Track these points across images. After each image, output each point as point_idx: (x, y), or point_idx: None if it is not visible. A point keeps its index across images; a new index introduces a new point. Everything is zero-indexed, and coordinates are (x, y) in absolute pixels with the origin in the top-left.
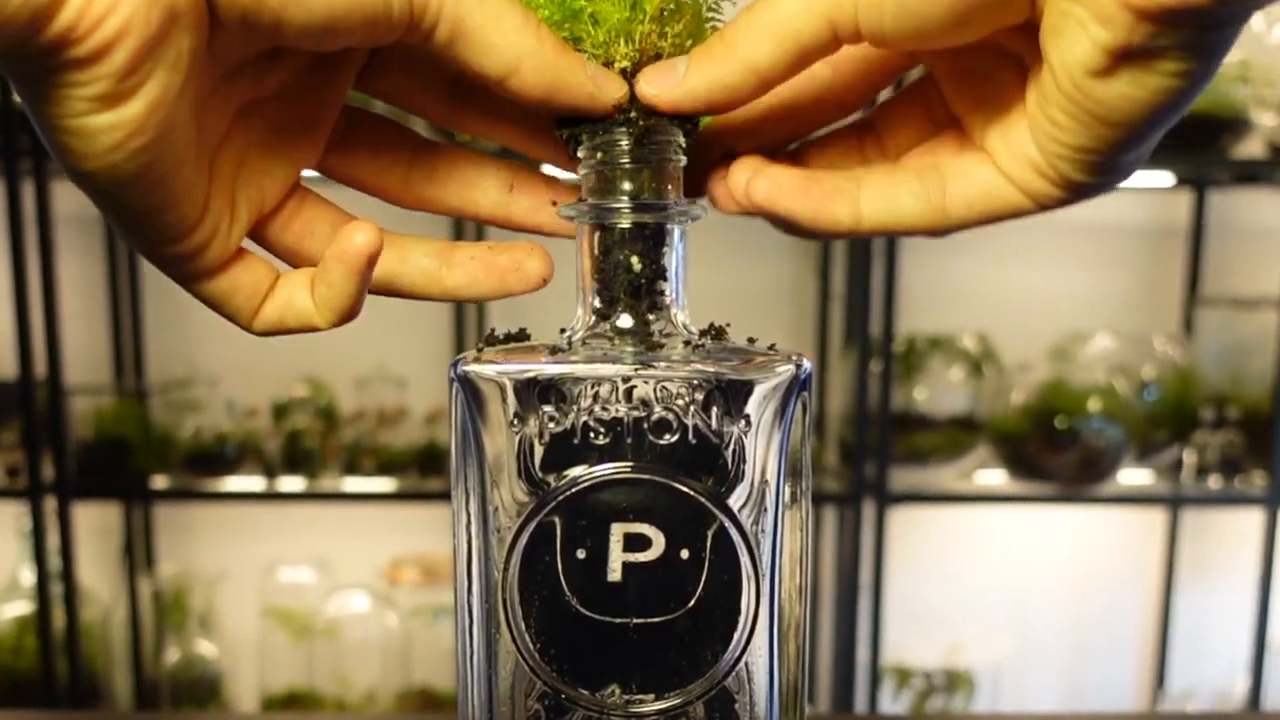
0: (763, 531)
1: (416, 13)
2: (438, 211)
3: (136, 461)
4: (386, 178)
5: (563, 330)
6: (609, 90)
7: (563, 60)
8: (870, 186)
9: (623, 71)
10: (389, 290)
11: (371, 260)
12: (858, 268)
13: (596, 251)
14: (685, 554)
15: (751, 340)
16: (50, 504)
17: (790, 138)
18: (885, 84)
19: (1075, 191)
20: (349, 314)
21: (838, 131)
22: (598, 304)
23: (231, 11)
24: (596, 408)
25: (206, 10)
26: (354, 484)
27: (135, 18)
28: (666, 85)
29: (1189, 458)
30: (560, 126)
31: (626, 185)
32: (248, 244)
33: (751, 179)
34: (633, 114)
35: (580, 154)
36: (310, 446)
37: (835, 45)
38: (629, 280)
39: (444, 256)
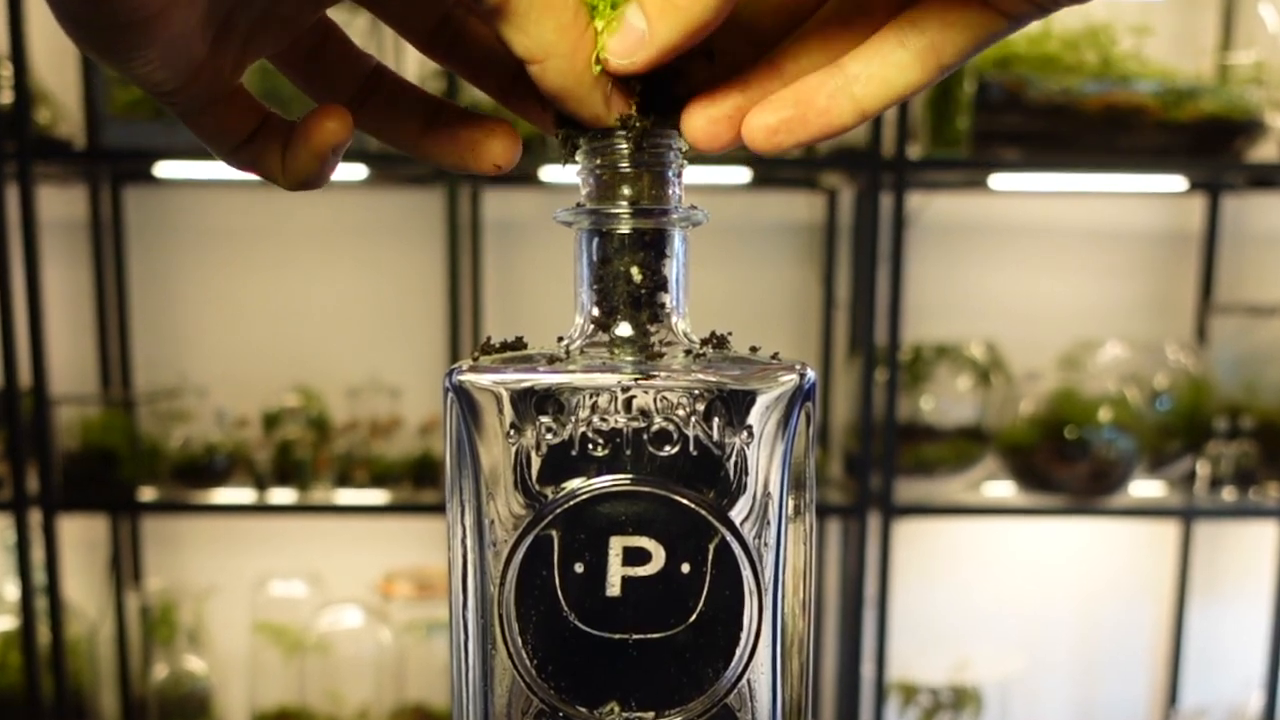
0: (765, 545)
1: None
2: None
3: (123, 473)
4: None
5: (560, 339)
6: (616, 109)
7: (587, 74)
8: (859, 75)
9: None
10: (372, 134)
11: (337, 149)
12: (862, 274)
13: (595, 258)
14: (686, 568)
15: (754, 349)
16: (35, 516)
17: (775, 27)
18: None
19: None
20: (311, 186)
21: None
22: (596, 312)
23: None
24: (595, 418)
25: None
26: (347, 496)
27: None
28: (633, 48)
29: (1202, 469)
30: (558, 127)
31: (626, 190)
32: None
33: (745, 131)
34: (632, 116)
35: (578, 158)
36: (302, 457)
37: None
38: (628, 288)
39: (429, 117)
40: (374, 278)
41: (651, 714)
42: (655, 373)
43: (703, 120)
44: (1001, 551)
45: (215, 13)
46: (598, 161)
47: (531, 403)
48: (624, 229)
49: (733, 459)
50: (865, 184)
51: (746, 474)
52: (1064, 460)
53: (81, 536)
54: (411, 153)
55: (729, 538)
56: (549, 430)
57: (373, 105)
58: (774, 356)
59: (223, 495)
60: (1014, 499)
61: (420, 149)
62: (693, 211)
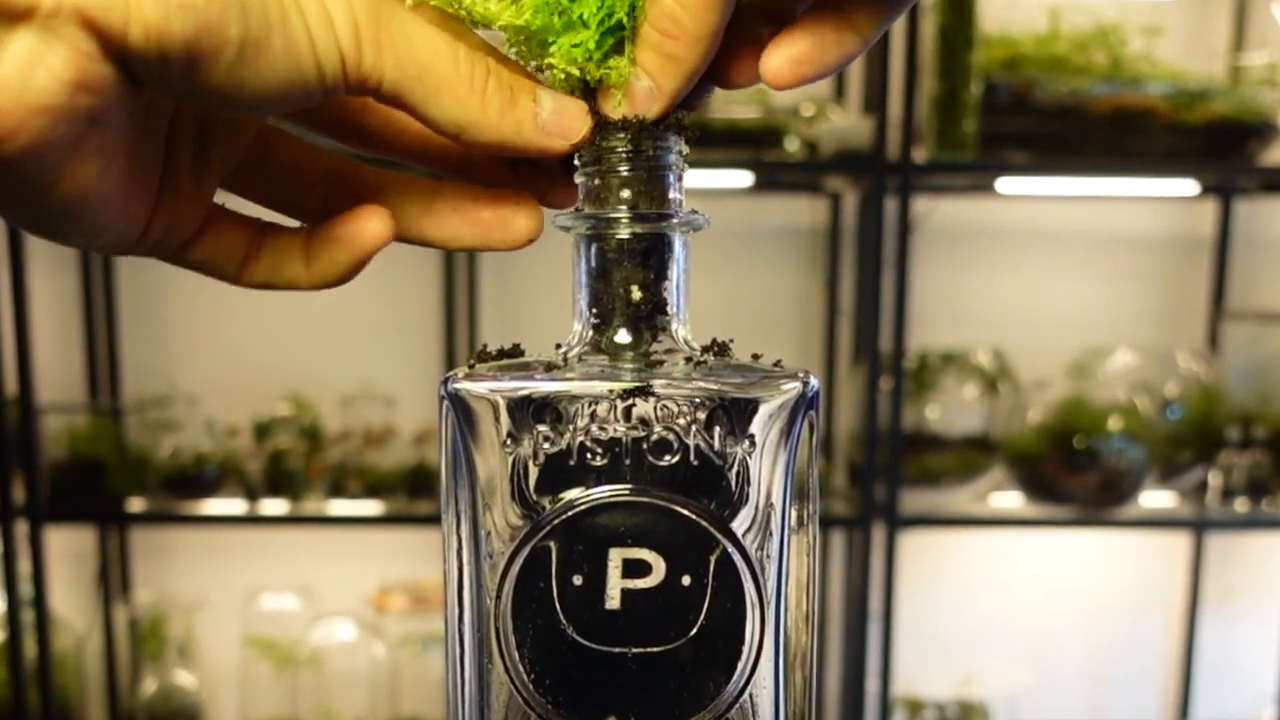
0: (768, 556)
1: (353, 86)
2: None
3: (112, 483)
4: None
5: (558, 346)
6: (567, 133)
7: (508, 122)
8: (857, 12)
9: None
10: (265, 287)
11: (377, 251)
12: (867, 280)
13: (593, 263)
14: (687, 580)
15: (756, 356)
16: (21, 528)
17: None
18: None
19: None
20: (341, 283)
21: None
22: (595, 319)
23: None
24: (594, 427)
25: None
26: (339, 507)
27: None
28: (645, 105)
29: (1214, 479)
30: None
31: (625, 194)
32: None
33: (764, 64)
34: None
35: (576, 162)
36: (294, 467)
37: None
38: (627, 294)
39: (425, 202)
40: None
41: None
42: (655, 381)
43: (781, 60)
44: (1009, 563)
45: (140, 163)
46: (596, 165)
47: (529, 411)
48: (623, 234)
49: (734, 469)
50: (869, 188)
51: (748, 484)
52: (1073, 470)
53: (69, 548)
54: (417, 242)
55: (730, 549)
56: (546, 439)
57: (261, 257)
58: (776, 364)
59: (213, 506)
60: (1022, 510)
61: (438, 245)
62: (693, 216)
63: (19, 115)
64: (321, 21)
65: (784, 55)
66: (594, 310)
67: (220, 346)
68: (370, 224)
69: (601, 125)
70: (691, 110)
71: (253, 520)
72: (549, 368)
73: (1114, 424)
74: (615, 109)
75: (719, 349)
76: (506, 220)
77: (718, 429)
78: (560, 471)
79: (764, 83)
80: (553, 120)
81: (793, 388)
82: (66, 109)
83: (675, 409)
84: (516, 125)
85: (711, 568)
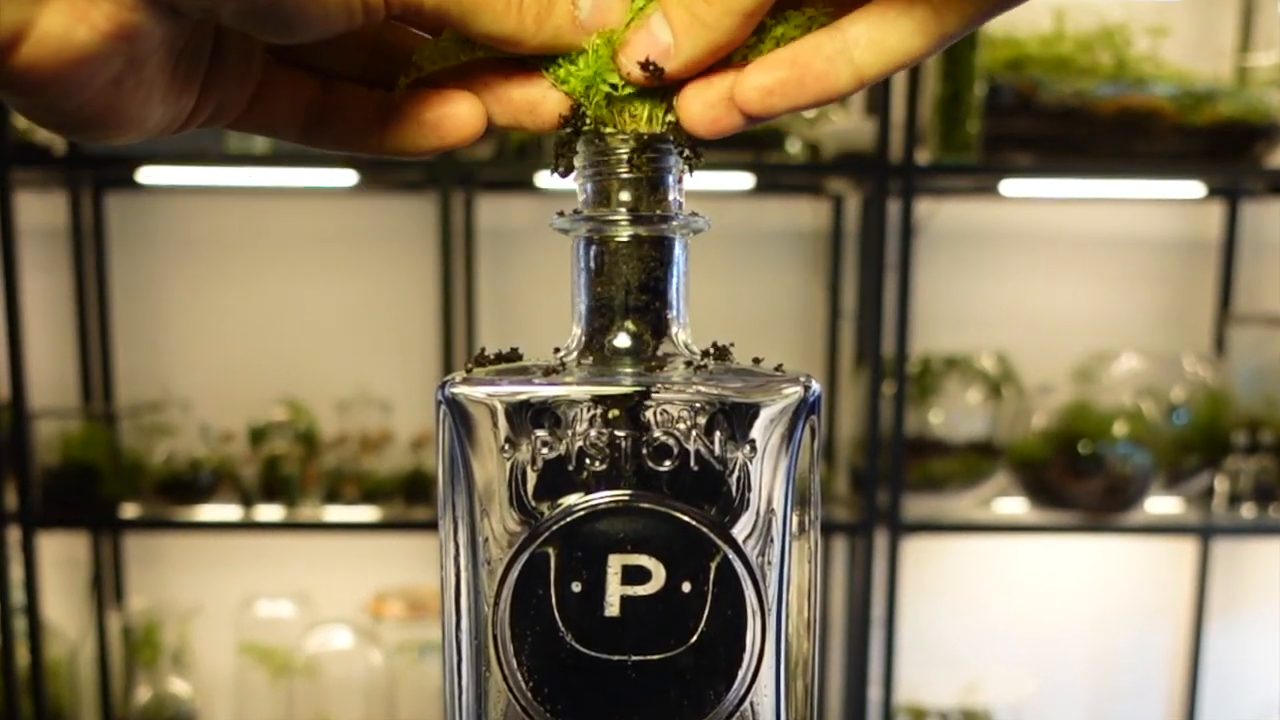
0: (769, 563)
1: (395, 12)
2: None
3: (105, 489)
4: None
5: (557, 350)
6: (609, 23)
7: (547, 30)
8: (859, 40)
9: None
10: (336, 150)
11: (468, 141)
12: (869, 284)
13: (592, 266)
14: (687, 587)
15: (757, 360)
16: (14, 534)
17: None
18: None
19: None
20: (418, 157)
21: None
22: (594, 322)
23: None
24: (592, 432)
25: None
26: (336, 513)
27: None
28: (656, 58)
29: (1221, 485)
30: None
31: (625, 196)
32: None
33: (736, 91)
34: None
35: (576, 163)
36: (289, 473)
37: None
38: (627, 297)
39: (379, 115)
40: (364, 287)
41: None
42: (655, 385)
43: (699, 105)
44: (1013, 570)
45: (185, 65)
46: (596, 166)
47: (527, 416)
48: (623, 236)
49: (735, 474)
50: (872, 190)
51: (749, 490)
52: (1078, 476)
53: (62, 554)
54: (378, 153)
55: (731, 556)
56: (545, 444)
57: (327, 122)
58: (778, 368)
59: (208, 512)
60: (1026, 516)
61: (385, 146)
62: (694, 218)
63: (58, 66)
64: None
65: (755, 80)
66: (593, 314)
67: (215, 350)
68: (461, 113)
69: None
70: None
71: (248, 526)
72: (547, 372)
73: (1119, 429)
74: (629, 56)
75: (719, 353)
76: (535, 103)
77: (718, 434)
78: (559, 477)
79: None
80: (593, 16)
81: (794, 392)
82: (106, 57)
83: (675, 414)
84: (555, 31)
85: (712, 574)
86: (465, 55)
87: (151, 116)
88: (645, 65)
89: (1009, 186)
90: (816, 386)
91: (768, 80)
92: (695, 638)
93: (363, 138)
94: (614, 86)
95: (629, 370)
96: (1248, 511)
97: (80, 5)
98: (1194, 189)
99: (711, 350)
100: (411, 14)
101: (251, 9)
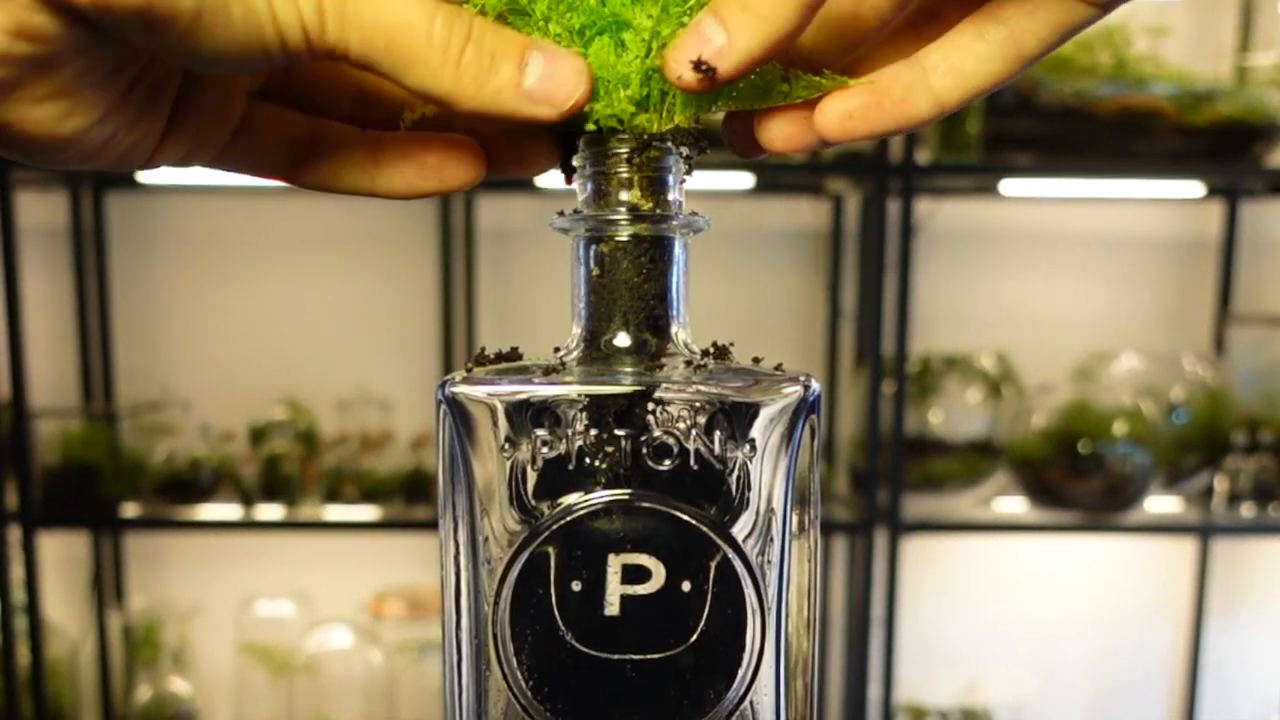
0: (769, 562)
1: (319, 55)
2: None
3: (105, 488)
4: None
5: (557, 349)
6: (554, 100)
7: (486, 92)
8: (937, 67)
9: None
10: (325, 189)
11: (467, 187)
12: (869, 283)
13: (593, 266)
14: (687, 586)
15: (757, 360)
16: (14, 533)
17: (840, 50)
18: None
19: None
20: (412, 199)
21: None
22: (594, 322)
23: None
24: (592, 431)
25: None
26: (336, 512)
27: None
28: (711, 59)
29: (1220, 484)
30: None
31: (625, 195)
32: None
33: (817, 114)
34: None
35: (576, 162)
36: (289, 472)
37: None
38: (627, 296)
39: (372, 154)
40: (365, 286)
41: None
42: (655, 385)
43: (783, 124)
44: (1013, 569)
45: (140, 93)
46: (597, 165)
47: (527, 415)
48: (623, 236)
49: (735, 473)
50: (872, 189)
51: (749, 489)
52: (1077, 475)
53: (62, 554)
54: (369, 194)
55: (731, 555)
56: (545, 444)
57: (316, 160)
58: (777, 368)
59: (208, 511)
60: (1026, 515)
61: (377, 187)
62: (694, 218)
63: None
64: None
65: (836, 105)
66: (593, 313)
67: (215, 350)
68: (464, 158)
69: (604, 132)
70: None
71: (248, 526)
72: (547, 371)
73: (1119, 428)
74: (679, 59)
75: (719, 352)
76: (448, 159)
77: (718, 433)
78: (559, 476)
79: (816, 129)
80: (539, 87)
81: (794, 391)
82: (14, 60)
83: (675, 413)
84: (495, 94)
85: (712, 574)
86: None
87: (91, 137)
88: (698, 65)
89: (1009, 186)
90: (816, 386)
91: (849, 105)
92: (695, 637)
93: (353, 178)
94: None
95: (629, 370)
96: (1247, 511)
97: None
98: (1194, 189)
99: (711, 349)
100: (339, 57)
101: (153, 27)
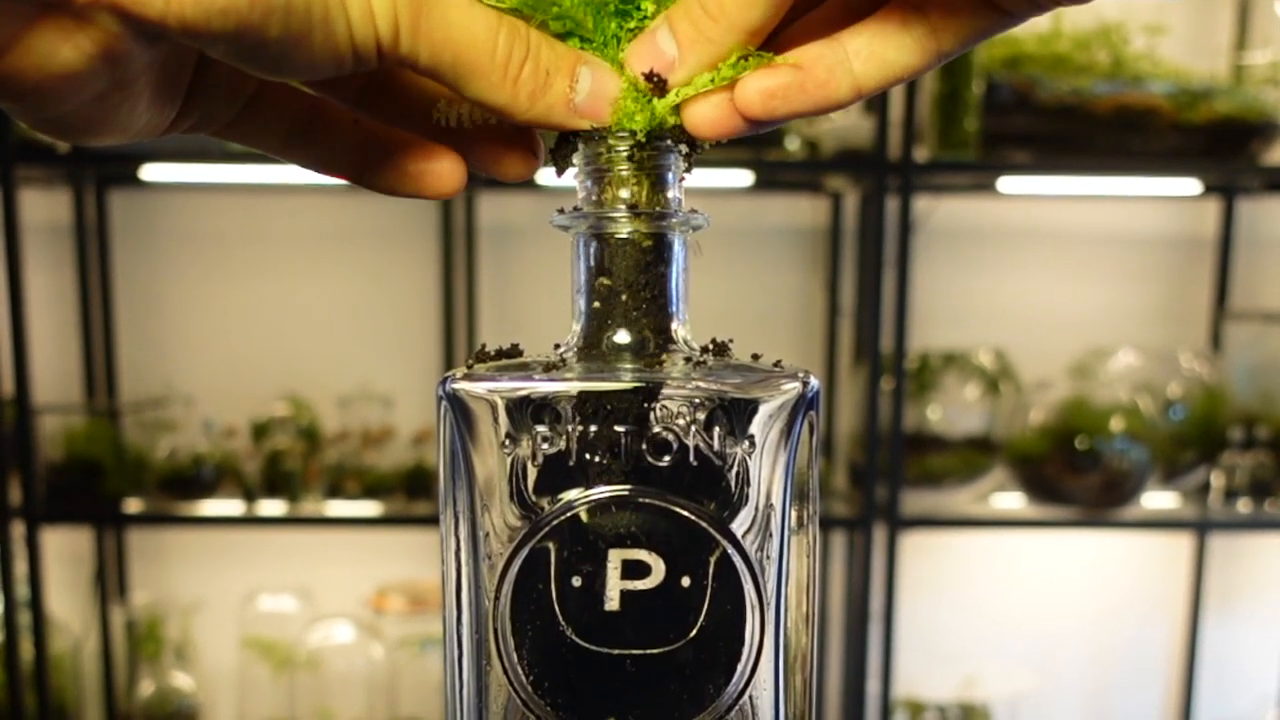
0: (768, 558)
1: (389, 64)
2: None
3: (108, 484)
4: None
5: (557, 346)
6: (598, 116)
7: (539, 107)
8: (859, 52)
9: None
10: (314, 169)
11: (447, 197)
12: (868, 280)
13: (592, 263)
14: (686, 582)
15: (756, 356)
16: (18, 529)
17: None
18: None
19: None
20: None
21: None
22: (594, 319)
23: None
24: (592, 428)
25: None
26: (338, 508)
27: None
28: (660, 69)
29: (1217, 480)
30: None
31: (624, 193)
32: None
33: (737, 94)
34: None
35: (576, 161)
36: (291, 468)
37: None
38: (627, 293)
39: (361, 147)
40: (366, 283)
41: None
42: (655, 381)
43: (706, 108)
44: (1011, 565)
45: (171, 76)
46: (596, 163)
47: (527, 412)
48: (622, 233)
49: (734, 469)
50: (870, 187)
51: (748, 485)
52: (1075, 471)
53: (65, 549)
54: (353, 182)
55: (730, 550)
56: (545, 440)
57: (309, 142)
58: (776, 364)
59: (210, 507)
60: (1023, 511)
61: (361, 178)
62: (693, 215)
63: (38, 79)
64: (363, 14)
65: (757, 84)
66: (593, 310)
67: (218, 346)
68: (444, 171)
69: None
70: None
71: (250, 521)
72: (548, 368)
73: (1116, 425)
74: (634, 66)
75: (718, 349)
76: (426, 170)
77: (717, 429)
78: (559, 472)
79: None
80: (586, 104)
81: (793, 388)
82: (89, 75)
83: (674, 409)
84: (548, 109)
85: (711, 569)
86: (479, 118)
87: (135, 124)
88: (649, 76)
89: (1007, 184)
90: (815, 382)
91: (770, 84)
92: (695, 632)
93: (341, 165)
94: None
95: (629, 366)
96: (1243, 506)
97: (68, 27)
98: (1190, 186)
99: (711, 346)
100: (407, 66)
101: (239, 48)
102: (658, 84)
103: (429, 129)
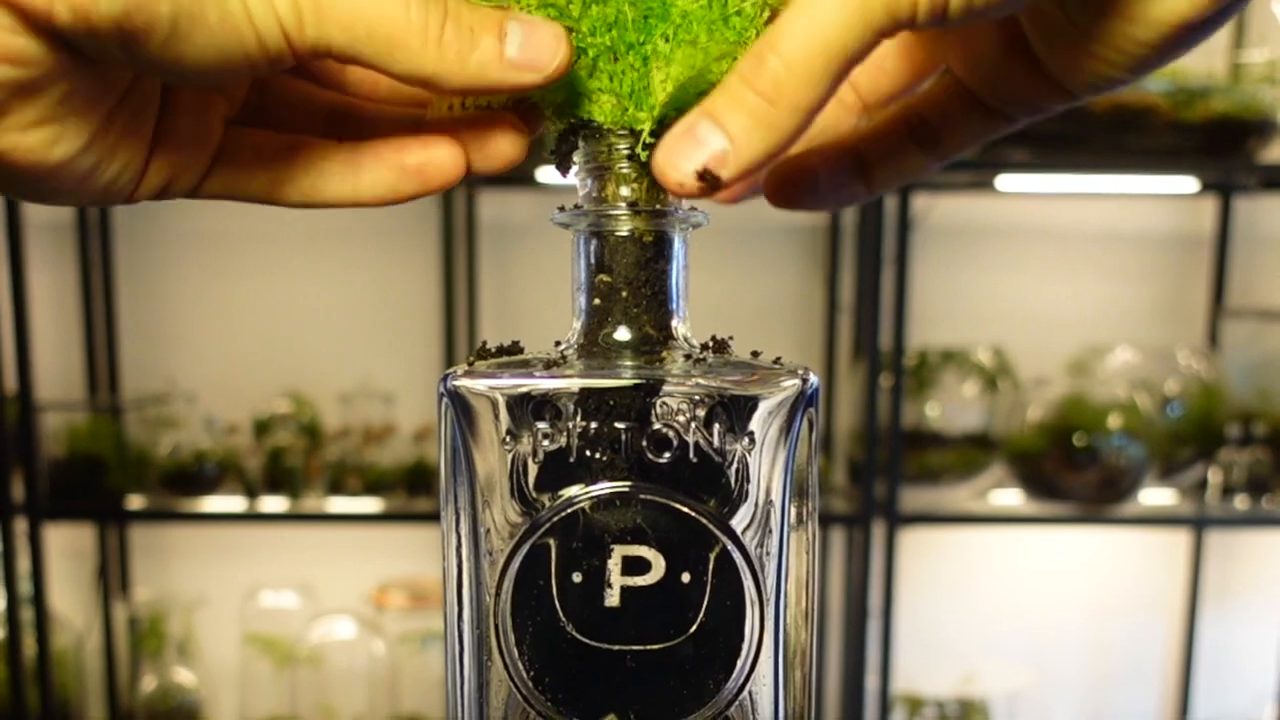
0: (767, 554)
1: (302, 55)
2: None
3: (111, 481)
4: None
5: (558, 343)
6: (537, 66)
7: (470, 67)
8: (877, 167)
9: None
10: (309, 205)
11: (450, 186)
12: (867, 278)
13: (593, 260)
14: (686, 578)
15: (755, 353)
16: (20, 525)
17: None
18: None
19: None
20: (395, 204)
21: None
22: (594, 316)
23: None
24: (593, 424)
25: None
26: (339, 504)
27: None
28: (713, 165)
29: (1214, 477)
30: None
31: (625, 191)
32: None
33: (770, 189)
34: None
35: (576, 159)
36: (293, 465)
37: (878, 43)
38: (627, 291)
39: (351, 163)
40: (367, 281)
41: None
42: (655, 378)
43: (776, 178)
44: (1009, 561)
45: (122, 120)
46: (597, 161)
47: (528, 408)
48: (623, 230)
49: (734, 466)
50: None
51: (748, 481)
52: (1073, 468)
53: (68, 546)
54: (353, 204)
55: (730, 547)
56: (546, 436)
57: (296, 177)
58: (776, 361)
59: (212, 504)
60: (1022, 507)
61: (361, 196)
62: (693, 213)
63: None
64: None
65: (778, 172)
66: (593, 307)
67: (220, 344)
68: (444, 159)
69: (598, 129)
70: None
71: (252, 518)
72: (548, 365)
73: (1114, 422)
74: (679, 168)
75: (718, 346)
76: (429, 161)
77: (717, 426)
78: (559, 469)
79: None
80: (521, 55)
81: (792, 385)
82: None
83: (675, 406)
84: (480, 68)
85: (711, 565)
86: (471, 103)
87: (74, 168)
88: (702, 175)
89: (1005, 182)
90: (814, 379)
91: (791, 190)
92: (694, 628)
93: (335, 190)
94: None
95: (629, 363)
96: (1241, 503)
97: None
98: (1188, 184)
99: (711, 343)
100: (322, 54)
101: (132, 37)
102: (711, 182)
103: (408, 129)
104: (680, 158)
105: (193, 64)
